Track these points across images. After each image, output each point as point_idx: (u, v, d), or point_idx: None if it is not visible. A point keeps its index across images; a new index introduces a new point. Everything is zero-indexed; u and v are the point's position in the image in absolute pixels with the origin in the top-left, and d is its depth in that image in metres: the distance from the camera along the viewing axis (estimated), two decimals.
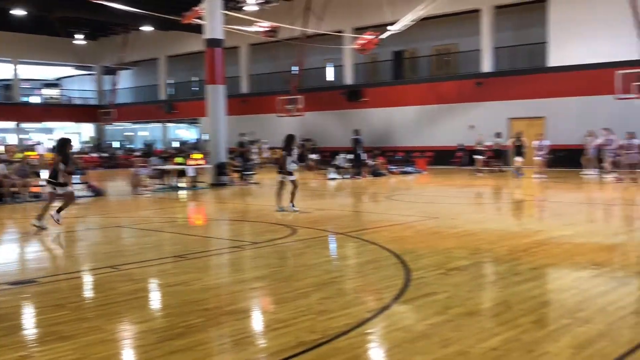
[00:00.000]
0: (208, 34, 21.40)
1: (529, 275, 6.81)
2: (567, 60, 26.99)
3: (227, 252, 9.02)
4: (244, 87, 40.10)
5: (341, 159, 25.44)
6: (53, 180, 10.96)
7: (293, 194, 13.26)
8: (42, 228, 10.70)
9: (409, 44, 33.25)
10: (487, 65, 29.93)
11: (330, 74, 37.39)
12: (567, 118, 26.55)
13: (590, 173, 22.80)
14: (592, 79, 26.05)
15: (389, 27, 25.50)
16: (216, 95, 21.46)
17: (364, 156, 24.90)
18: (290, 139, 13.56)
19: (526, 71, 28.80)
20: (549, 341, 4.62)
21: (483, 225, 10.68)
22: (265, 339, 4.92)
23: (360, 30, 31.06)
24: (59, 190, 10.97)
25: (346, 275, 7.25)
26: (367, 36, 26.68)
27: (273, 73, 37.94)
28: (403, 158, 29.75)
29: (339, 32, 32.30)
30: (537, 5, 28.45)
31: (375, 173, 24.96)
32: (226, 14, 23.44)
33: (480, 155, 25.29)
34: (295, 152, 13.65)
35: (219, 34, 21.43)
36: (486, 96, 29.44)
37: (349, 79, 35.04)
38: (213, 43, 21.27)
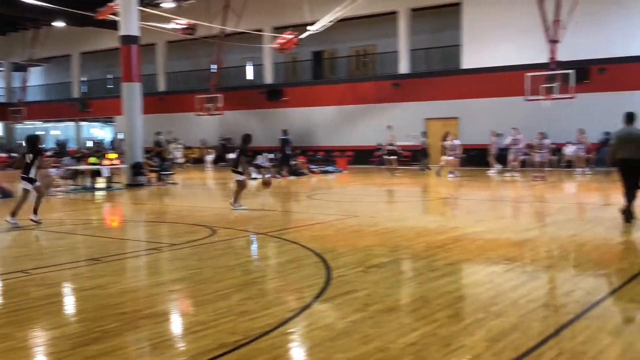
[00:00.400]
0: (123, 31, 20.86)
1: (445, 271, 7.01)
2: (479, 63, 27.93)
3: (144, 255, 8.82)
4: (161, 85, 39.35)
5: (262, 159, 25.36)
6: (25, 176, 11.46)
7: (237, 193, 13.40)
8: (37, 222, 11.40)
9: (328, 44, 33.53)
10: (404, 66, 30.57)
11: (249, 73, 37.21)
12: (480, 118, 27.47)
13: (494, 171, 23.72)
14: (503, 80, 27.08)
15: (308, 27, 25.63)
16: (132, 93, 20.96)
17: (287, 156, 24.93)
18: (247, 138, 13.61)
19: (441, 73, 29.60)
20: (465, 335, 4.76)
21: (401, 223, 10.91)
22: (184, 342, 4.84)
23: (279, 29, 31.06)
24: (29, 186, 11.49)
25: (267, 275, 7.23)
26: (287, 36, 26.71)
27: (191, 71, 37.43)
28: (323, 157, 29.98)
29: (259, 31, 32.19)
30: (451, 9, 29.29)
31: (296, 172, 25.03)
32: (142, 10, 22.92)
33: (392, 154, 25.81)
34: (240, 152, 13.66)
35: (134, 31, 20.93)
36: (403, 97, 30.08)
37: (268, 78, 34.98)
38: (128, 40, 20.75)
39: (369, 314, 5.34)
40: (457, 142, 23.25)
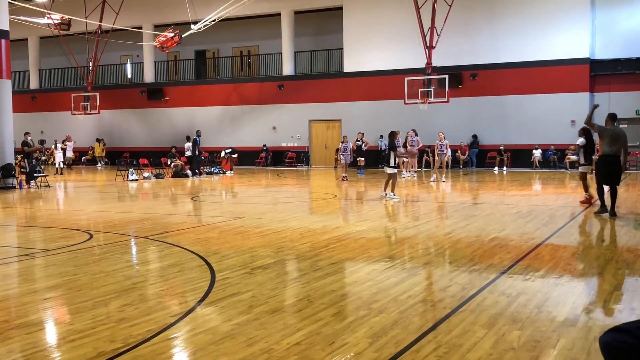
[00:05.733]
0: None
1: (329, 270, 7.12)
2: (361, 67, 28.63)
3: (15, 261, 8.32)
4: (34, 83, 37.34)
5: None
6: None
7: (387, 184, 15.36)
8: None
9: (211, 44, 33.18)
10: (287, 68, 30.76)
11: (129, 71, 36.09)
12: (361, 121, 28.17)
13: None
14: (384, 84, 27.91)
15: (191, 26, 25.24)
16: (1, 91, 19.74)
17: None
18: (393, 134, 15.65)
19: (324, 76, 30.08)
20: (348, 332, 4.86)
21: (286, 224, 10.96)
22: (60, 352, 4.61)
23: (160, 27, 30.35)
24: None
25: (148, 280, 7.03)
26: (168, 34, 26.18)
27: (66, 68, 35.77)
28: (208, 159, 29.58)
29: (138, 28, 31.28)
30: (333, 13, 29.83)
31: (179, 174, 24.53)
32: (12, 3, 21.63)
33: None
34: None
35: (4, 25, 19.72)
36: (287, 99, 30.29)
37: (149, 76, 34.07)
38: None
39: (254, 315, 5.33)
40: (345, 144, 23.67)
